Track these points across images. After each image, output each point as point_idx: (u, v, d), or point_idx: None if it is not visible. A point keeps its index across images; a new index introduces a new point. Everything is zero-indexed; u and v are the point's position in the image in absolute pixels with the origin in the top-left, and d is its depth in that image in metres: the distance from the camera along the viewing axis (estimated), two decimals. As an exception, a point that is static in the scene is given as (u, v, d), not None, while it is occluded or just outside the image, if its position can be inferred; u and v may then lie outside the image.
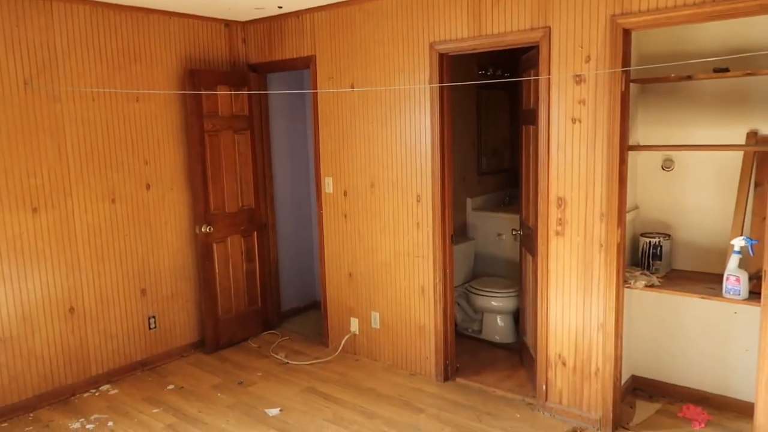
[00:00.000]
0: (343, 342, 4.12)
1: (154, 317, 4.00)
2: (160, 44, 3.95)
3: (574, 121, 3.00)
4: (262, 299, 4.54)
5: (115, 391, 3.62)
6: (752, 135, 3.02)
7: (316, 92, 4.08)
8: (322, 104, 4.08)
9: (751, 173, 2.99)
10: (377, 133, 3.79)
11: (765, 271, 2.56)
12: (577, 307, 3.07)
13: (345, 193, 4.02)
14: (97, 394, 3.58)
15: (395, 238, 3.78)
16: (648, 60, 3.20)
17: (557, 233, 3.11)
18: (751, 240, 2.73)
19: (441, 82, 3.48)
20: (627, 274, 3.06)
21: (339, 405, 3.35)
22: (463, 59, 4.37)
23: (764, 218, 2.83)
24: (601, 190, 2.94)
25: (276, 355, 4.09)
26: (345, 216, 4.03)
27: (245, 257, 4.39)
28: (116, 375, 3.78)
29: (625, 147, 2.93)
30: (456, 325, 4.45)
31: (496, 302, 4.13)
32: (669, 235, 3.24)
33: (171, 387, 3.64)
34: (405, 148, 3.66)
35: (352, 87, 3.86)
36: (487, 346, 4.16)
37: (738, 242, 2.74)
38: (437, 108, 3.50)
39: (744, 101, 3.04)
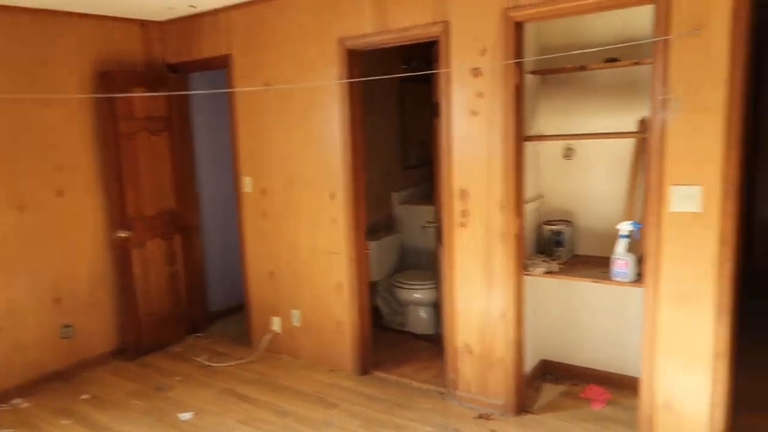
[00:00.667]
0: (264, 342, 4.11)
1: (70, 326, 3.91)
2: (70, 47, 3.85)
3: (473, 113, 3.05)
4: (188, 302, 4.49)
5: (27, 404, 3.52)
6: (643, 122, 3.12)
7: (233, 91, 4.04)
8: (239, 103, 4.05)
9: (641, 159, 3.10)
10: (292, 131, 3.78)
11: (645, 255, 2.66)
12: (481, 296, 3.13)
13: (263, 192, 4.00)
14: (7, 408, 3.48)
15: (313, 235, 3.78)
16: (548, 52, 3.28)
17: (461, 225, 3.16)
18: (638, 224, 2.83)
19: (351, 77, 3.49)
20: (528, 262, 3.14)
21: (254, 405, 3.35)
22: (386, 53, 4.39)
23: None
24: (499, 181, 3.01)
25: (198, 359, 4.05)
26: (264, 215, 4.02)
27: (167, 260, 4.33)
28: (29, 388, 3.68)
29: (520, 138, 3.00)
30: (383, 318, 4.50)
31: (418, 294, 4.18)
32: (570, 222, 3.33)
33: (85, 397, 3.57)
34: (319, 145, 3.67)
35: (267, 85, 3.85)
36: (411, 339, 4.21)
37: (624, 227, 2.83)
38: (348, 104, 3.51)
39: (635, 90, 3.14)
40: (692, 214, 2.52)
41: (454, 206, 3.18)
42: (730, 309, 2.50)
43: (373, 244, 4.30)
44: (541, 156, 3.48)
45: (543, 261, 3.16)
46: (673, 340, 2.62)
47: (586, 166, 3.36)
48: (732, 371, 2.59)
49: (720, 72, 2.40)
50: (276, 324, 4.06)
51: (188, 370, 3.88)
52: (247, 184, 4.08)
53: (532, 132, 3.36)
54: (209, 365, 3.93)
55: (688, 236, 2.54)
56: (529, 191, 3.28)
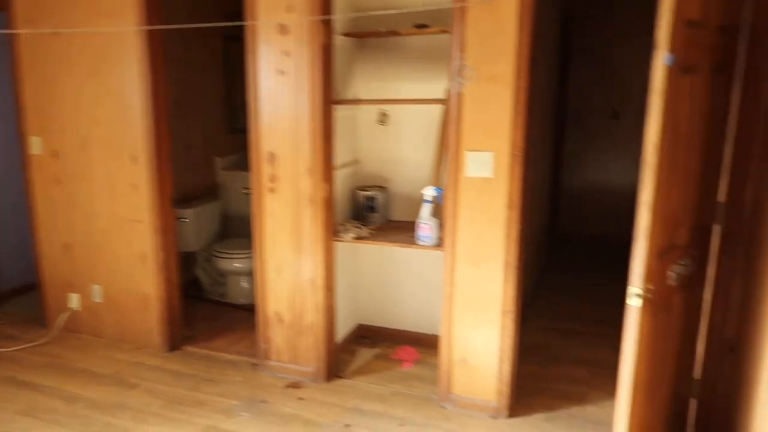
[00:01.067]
0: (60, 321, 3.69)
1: None
2: None
3: (280, 72, 2.90)
4: (-34, 281, 3.88)
5: None
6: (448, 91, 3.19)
7: (13, 35, 3.48)
8: (24, 51, 3.50)
9: (446, 126, 3.18)
10: (84, 84, 3.36)
11: (444, 218, 2.74)
12: (291, 263, 3.04)
13: (54, 154, 3.53)
14: None
15: (111, 202, 3.42)
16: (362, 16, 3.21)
17: (270, 190, 3.03)
18: (440, 189, 2.90)
19: (153, 28, 3.15)
20: (340, 228, 3.11)
21: (39, 393, 2.98)
22: (203, 5, 4.08)
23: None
24: (308, 145, 2.91)
25: (-22, 344, 3.53)
26: (56, 179, 3.55)
27: (-64, 233, 3.70)
28: None
29: (329, 101, 2.91)
30: (203, 290, 4.27)
31: (238, 264, 4.00)
32: (385, 188, 3.35)
33: None
34: (116, 101, 3.29)
35: (54, 30, 3.35)
36: (231, 310, 4.04)
37: (428, 192, 2.89)
38: (147, 56, 3.18)
39: (445, 57, 3.19)
40: (485, 179, 2.62)
41: (262, 170, 3.03)
42: (517, 269, 2.66)
43: (189, 212, 4.03)
44: (358, 121, 3.44)
45: (355, 227, 3.15)
46: (468, 300, 2.75)
47: (400, 132, 3.38)
48: (518, 326, 2.79)
49: (509, 43, 2.49)
50: (74, 301, 3.65)
51: (-37, 358, 3.37)
52: (35, 144, 3.57)
53: (348, 96, 3.30)
54: (-10, 351, 3.45)
55: (481, 200, 2.64)
56: (343, 156, 3.23)
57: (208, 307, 4.07)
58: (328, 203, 2.96)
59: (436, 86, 3.22)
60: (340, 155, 3.18)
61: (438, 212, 2.93)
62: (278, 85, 2.91)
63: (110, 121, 3.33)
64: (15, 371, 3.21)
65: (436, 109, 3.24)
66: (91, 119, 3.37)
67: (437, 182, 3.15)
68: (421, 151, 3.34)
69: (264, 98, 2.96)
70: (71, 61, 3.36)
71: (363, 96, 3.39)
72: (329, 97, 2.91)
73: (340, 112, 3.15)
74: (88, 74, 3.33)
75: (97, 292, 3.57)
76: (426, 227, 2.88)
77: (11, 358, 3.37)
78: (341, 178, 3.21)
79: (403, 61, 3.30)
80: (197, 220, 4.11)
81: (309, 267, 3.00)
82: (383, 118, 3.39)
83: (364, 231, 3.10)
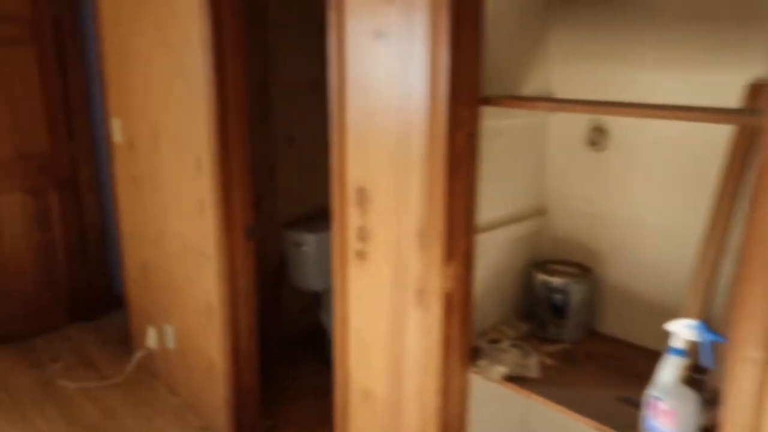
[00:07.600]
0: (134, 361, 2.86)
1: None
2: None
3: (378, 35, 1.44)
4: (69, 280, 3.30)
5: None
6: (756, 90, 1.32)
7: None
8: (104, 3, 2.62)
9: (743, 165, 1.34)
10: (152, 51, 2.33)
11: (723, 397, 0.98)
12: (385, 395, 1.64)
13: (131, 145, 2.64)
14: None
15: (181, 220, 2.40)
16: None
17: (359, 255, 1.63)
18: (712, 332, 1.17)
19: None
20: (485, 346, 1.58)
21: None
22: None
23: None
24: (418, 180, 1.43)
25: (55, 365, 2.90)
26: (134, 180, 2.67)
27: (37, 224, 3.15)
28: None
29: (469, 96, 1.37)
30: (327, 344, 3.06)
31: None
32: (590, 271, 1.68)
33: None
34: (181, 74, 2.20)
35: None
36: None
37: (680, 330, 1.19)
38: (210, 9, 1.99)
39: (752, 25, 1.34)
40: None
41: (347, 217, 1.64)
42: None
43: (310, 238, 2.82)
44: (548, 139, 1.77)
45: (513, 345, 1.59)
46: None
47: (631, 167, 1.61)
48: None
49: None
50: (151, 337, 2.79)
51: (23, 383, 2.74)
52: (116, 128, 2.73)
53: (526, 88, 1.66)
54: (53, 381, 2.77)
55: None
56: (506, 202, 1.67)
57: (324, 374, 2.65)
58: (457, 303, 1.46)
59: (716, 80, 1.40)
60: (499, 201, 1.63)
61: (700, 380, 1.22)
62: (375, 58, 1.46)
63: (176, 106, 2.26)
64: (57, 424, 2.46)
65: (714, 130, 1.40)
66: (159, 100, 2.35)
67: (698, 300, 1.38)
68: (670, 204, 1.55)
69: (353, 83, 1.54)
70: (137, 14, 2.36)
71: (559, 90, 1.70)
72: (471, 88, 1.36)
73: (500, 121, 1.56)
74: (151, 36, 2.29)
75: (169, 335, 2.65)
76: (661, 406, 1.20)
77: (70, 399, 2.63)
78: (496, 245, 1.65)
79: (649, 30, 1.51)
80: (322, 249, 2.88)
81: (412, 417, 1.57)
82: (598, 137, 1.66)
83: (532, 361, 1.52)
